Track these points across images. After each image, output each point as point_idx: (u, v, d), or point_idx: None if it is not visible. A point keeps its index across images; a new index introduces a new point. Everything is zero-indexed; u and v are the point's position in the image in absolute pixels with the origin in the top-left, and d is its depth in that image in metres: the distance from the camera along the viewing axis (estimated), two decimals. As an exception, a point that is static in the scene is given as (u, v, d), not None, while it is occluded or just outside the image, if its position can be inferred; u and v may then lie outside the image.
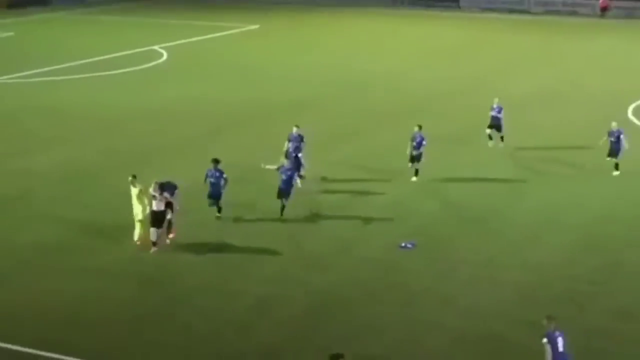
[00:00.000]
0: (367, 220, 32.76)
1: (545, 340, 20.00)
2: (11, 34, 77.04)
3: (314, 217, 33.04)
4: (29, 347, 23.23)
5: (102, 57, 65.19)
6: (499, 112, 41.29)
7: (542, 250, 30.28)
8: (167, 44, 71.04)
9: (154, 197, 29.13)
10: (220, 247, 30.13)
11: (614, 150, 37.99)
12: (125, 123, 46.93)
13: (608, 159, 38.00)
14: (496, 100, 41.70)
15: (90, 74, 59.78)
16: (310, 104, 51.37)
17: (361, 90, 55.59)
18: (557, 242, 30.93)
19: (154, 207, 29.15)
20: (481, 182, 37.28)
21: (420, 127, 37.19)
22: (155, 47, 69.57)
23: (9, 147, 42.47)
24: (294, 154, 35.60)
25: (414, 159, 36.89)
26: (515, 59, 67.53)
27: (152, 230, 29.19)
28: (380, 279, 27.79)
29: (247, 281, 27.65)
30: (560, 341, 20.00)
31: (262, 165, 33.40)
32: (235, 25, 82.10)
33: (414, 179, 36.89)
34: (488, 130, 41.57)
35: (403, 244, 30.36)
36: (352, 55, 68.15)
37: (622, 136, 37.98)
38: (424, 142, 36.76)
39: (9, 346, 23.25)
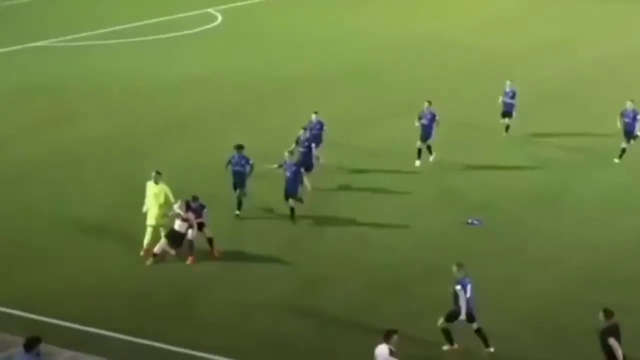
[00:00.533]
0: (430, 196, 32.51)
1: (459, 287, 21.60)
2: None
3: (369, 195, 32.75)
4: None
5: (153, 20, 64.80)
6: (512, 97, 38.30)
7: (610, 230, 29.93)
8: (223, 7, 70.14)
9: (178, 215, 27.31)
10: (276, 223, 30.13)
11: (628, 131, 35.70)
12: (172, 91, 46.47)
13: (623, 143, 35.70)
14: (508, 83, 39.04)
15: (140, 38, 59.44)
16: (366, 73, 50.19)
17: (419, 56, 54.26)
18: (628, 224, 30.43)
19: (176, 226, 27.35)
20: (547, 160, 36.36)
21: (430, 102, 35.60)
22: (210, 10, 68.84)
23: (57, 114, 42.36)
24: (305, 145, 32.97)
25: (425, 137, 35.36)
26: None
27: (164, 242, 27.25)
28: (443, 257, 26.95)
29: (301, 258, 27.67)
30: (469, 288, 21.70)
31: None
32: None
33: (431, 158, 35.46)
34: (502, 120, 38.85)
35: (470, 221, 30.35)
36: (411, 20, 66.18)
37: (638, 116, 35.58)
38: (436, 118, 35.31)
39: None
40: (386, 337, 19.20)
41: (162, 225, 27.52)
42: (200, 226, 27.53)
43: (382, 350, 19.07)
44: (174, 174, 30.93)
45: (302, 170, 30.66)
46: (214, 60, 53.46)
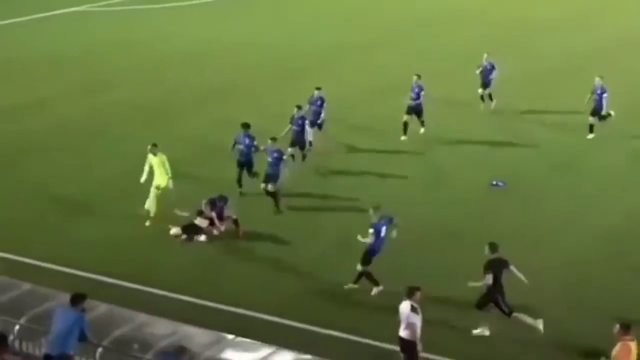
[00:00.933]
0: (453, 160, 33.07)
1: (371, 230, 23.10)
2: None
3: (395, 157, 33.47)
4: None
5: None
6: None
7: (631, 195, 30.34)
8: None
9: (201, 212, 27.41)
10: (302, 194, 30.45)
11: (597, 108, 34.84)
12: (201, 57, 47.17)
13: (590, 118, 35.03)
14: (485, 56, 38.41)
15: (172, 4, 60.10)
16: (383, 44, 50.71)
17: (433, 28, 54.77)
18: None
19: (196, 221, 27.38)
20: (568, 128, 36.68)
21: (419, 76, 35.28)
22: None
23: (91, 80, 43.22)
24: (299, 123, 32.15)
25: (412, 110, 35.10)
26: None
27: (176, 230, 27.46)
28: (467, 220, 28.11)
29: (328, 222, 28.26)
30: (383, 229, 23.39)
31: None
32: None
33: (421, 130, 35.34)
34: (480, 91, 38.30)
35: (494, 182, 30.97)
36: None
37: (605, 94, 34.61)
38: (422, 93, 34.90)
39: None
40: (409, 294, 19.45)
41: (166, 189, 27.71)
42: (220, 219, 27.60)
43: (404, 306, 19.40)
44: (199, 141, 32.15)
45: (287, 157, 29.98)
46: (246, 24, 54.17)
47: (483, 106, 38.15)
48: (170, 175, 27.69)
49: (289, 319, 22.37)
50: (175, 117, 37.87)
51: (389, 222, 23.78)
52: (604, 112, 34.74)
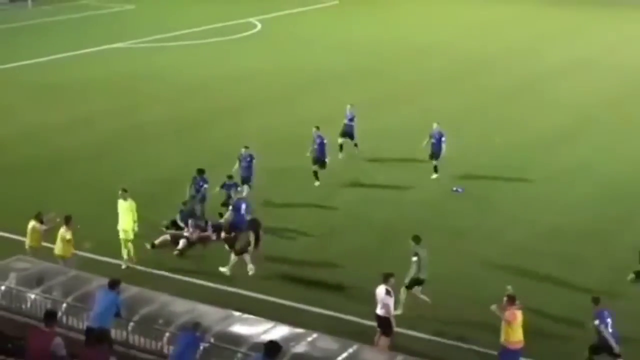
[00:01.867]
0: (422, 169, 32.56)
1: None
2: (132, 7, 77.59)
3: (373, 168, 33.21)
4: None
5: (204, 27, 65.42)
6: (352, 120, 33.40)
7: (573, 196, 30.21)
8: (262, 16, 70.70)
9: (198, 226, 26.12)
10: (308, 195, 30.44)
11: (435, 152, 31.43)
12: (219, 85, 46.96)
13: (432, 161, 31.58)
14: (349, 107, 33.73)
15: (194, 41, 60.15)
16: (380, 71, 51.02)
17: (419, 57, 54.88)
18: (587, 190, 30.78)
19: (185, 232, 25.91)
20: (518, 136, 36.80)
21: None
22: (251, 19, 69.39)
23: (127, 102, 43.18)
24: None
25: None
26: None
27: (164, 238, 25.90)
28: (432, 217, 28.10)
29: (327, 216, 28.43)
30: (244, 206, 22.86)
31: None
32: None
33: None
34: (340, 140, 33.52)
35: (454, 188, 30.58)
36: (413, 29, 67.11)
37: (443, 138, 31.28)
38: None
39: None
40: (385, 279, 19.40)
41: (132, 240, 24.36)
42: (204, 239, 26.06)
43: (380, 290, 19.36)
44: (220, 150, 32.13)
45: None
46: (256, 58, 53.97)
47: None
48: (136, 220, 24.21)
49: (287, 299, 22.40)
50: (198, 131, 37.89)
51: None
52: (443, 155, 31.28)
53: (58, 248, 22.82)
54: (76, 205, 26.78)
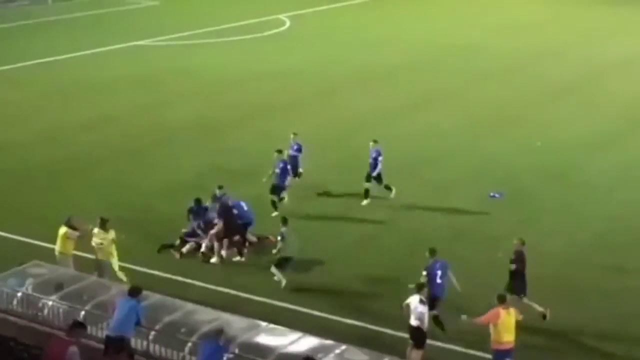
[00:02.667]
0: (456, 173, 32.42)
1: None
2: (156, 3, 77.90)
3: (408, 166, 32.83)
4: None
5: (231, 25, 65.43)
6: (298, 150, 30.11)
7: (617, 202, 29.78)
8: (291, 13, 70.71)
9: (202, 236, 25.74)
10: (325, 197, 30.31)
11: (370, 172, 29.03)
12: (248, 82, 46.86)
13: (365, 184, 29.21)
14: (292, 136, 30.55)
15: (220, 39, 60.18)
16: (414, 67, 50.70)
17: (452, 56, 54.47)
18: (631, 196, 30.31)
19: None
20: (564, 139, 36.40)
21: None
22: (280, 16, 69.40)
23: (152, 100, 43.35)
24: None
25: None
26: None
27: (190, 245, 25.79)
28: (466, 224, 27.77)
29: (352, 222, 28.16)
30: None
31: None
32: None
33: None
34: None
35: (492, 194, 30.04)
36: (447, 26, 66.75)
37: (380, 158, 28.79)
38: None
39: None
40: (418, 289, 19.40)
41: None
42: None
43: (414, 300, 19.26)
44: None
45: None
46: (285, 55, 54.03)
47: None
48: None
49: (314, 309, 22.19)
50: (225, 131, 37.88)
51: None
52: (374, 174, 28.93)
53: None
54: (97, 207, 26.77)
